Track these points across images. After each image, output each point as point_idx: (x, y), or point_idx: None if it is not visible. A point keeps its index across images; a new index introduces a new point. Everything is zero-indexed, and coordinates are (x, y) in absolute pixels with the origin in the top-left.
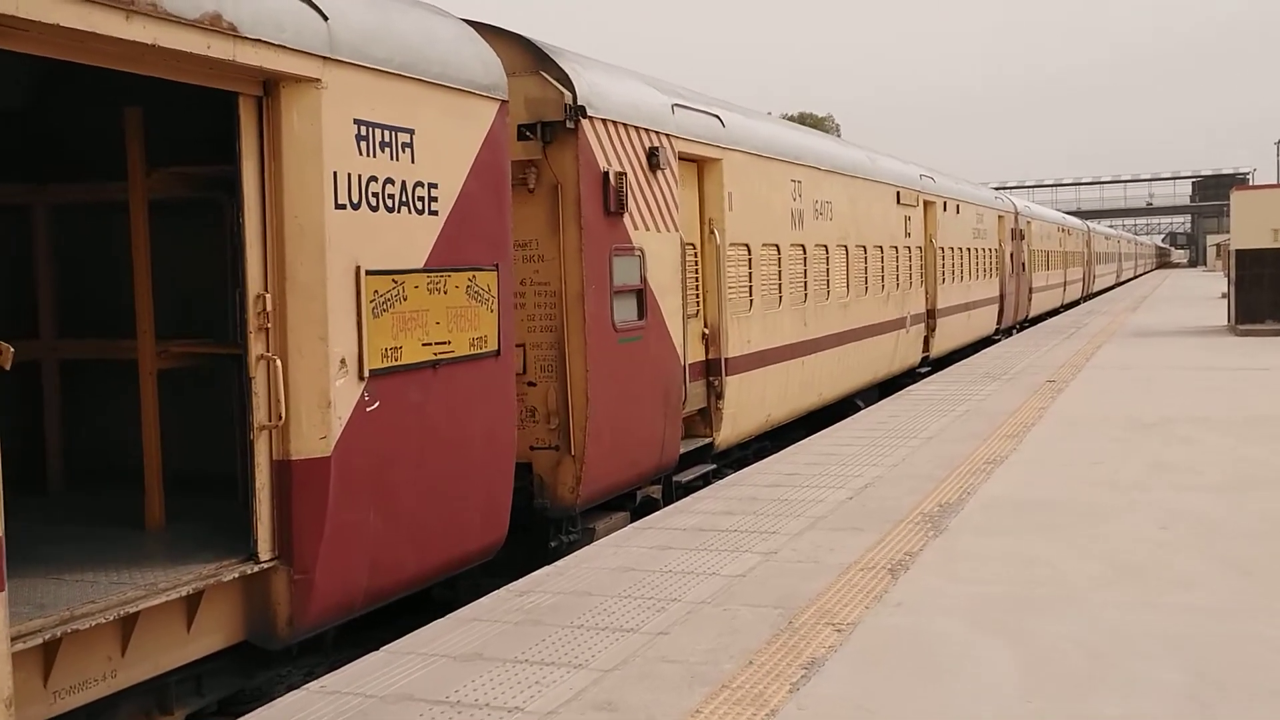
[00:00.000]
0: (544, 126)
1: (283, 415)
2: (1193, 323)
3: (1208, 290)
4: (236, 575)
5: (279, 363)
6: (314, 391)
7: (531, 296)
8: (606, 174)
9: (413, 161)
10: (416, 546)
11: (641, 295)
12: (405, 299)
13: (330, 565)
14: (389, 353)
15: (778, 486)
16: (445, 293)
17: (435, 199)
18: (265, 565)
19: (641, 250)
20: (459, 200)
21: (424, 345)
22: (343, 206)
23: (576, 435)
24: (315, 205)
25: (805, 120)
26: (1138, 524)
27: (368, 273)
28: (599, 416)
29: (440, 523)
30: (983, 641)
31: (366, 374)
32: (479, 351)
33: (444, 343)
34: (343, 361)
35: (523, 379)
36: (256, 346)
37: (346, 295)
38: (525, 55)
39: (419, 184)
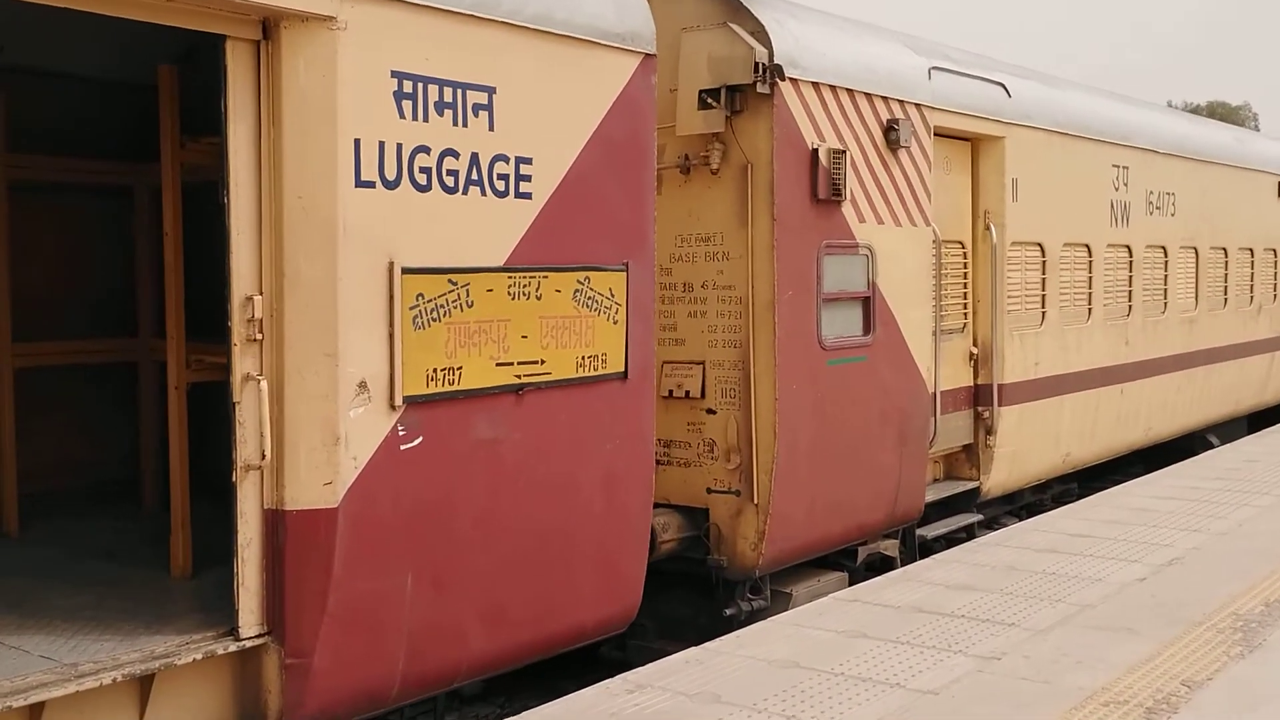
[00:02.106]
0: (730, 92)
1: (265, 454)
2: None
3: None
4: (198, 656)
5: (264, 385)
6: (316, 423)
7: (714, 303)
8: (815, 151)
9: (491, 129)
10: (487, 621)
11: (868, 304)
12: (470, 305)
13: (337, 646)
14: (440, 374)
15: (1050, 553)
16: (538, 298)
17: (527, 178)
18: (248, 643)
19: (869, 248)
20: (568, 180)
21: (500, 365)
22: (368, 184)
23: (761, 479)
24: (325, 181)
25: (1215, 112)
26: None
27: (406, 271)
28: (792, 456)
29: (525, 590)
30: None
31: (400, 401)
32: (593, 373)
33: (534, 361)
34: (362, 385)
35: (700, 405)
36: (244, 363)
37: (371, 299)
38: (709, 2)
39: (501, 158)
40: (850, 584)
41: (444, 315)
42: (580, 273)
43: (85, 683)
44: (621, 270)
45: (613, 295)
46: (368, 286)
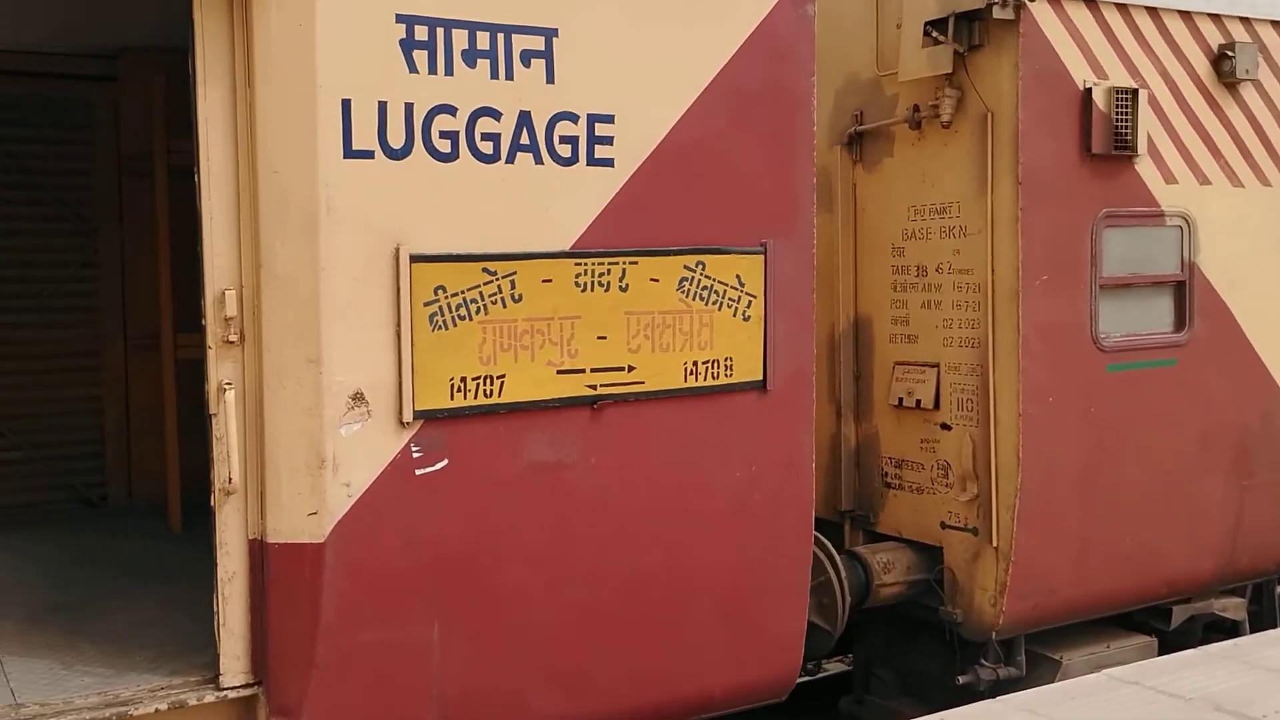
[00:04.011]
0: (961, 22)
1: (231, 476)
2: None
3: None
4: (162, 707)
5: (230, 395)
6: (298, 441)
7: (949, 291)
8: (1088, 92)
9: (550, 81)
10: (559, 686)
11: (1182, 291)
12: (518, 299)
13: (331, 706)
14: (470, 384)
15: None
16: (623, 289)
17: (605, 140)
18: (231, 694)
19: (1184, 216)
20: (672, 141)
21: (564, 373)
22: (363, 154)
23: (1001, 516)
24: (302, 151)
25: None
26: None
27: (419, 259)
28: (1045, 487)
29: (614, 651)
30: None
31: (411, 417)
32: (711, 383)
33: (616, 368)
34: (357, 397)
35: (933, 418)
36: (221, 369)
37: (369, 293)
38: None
39: (565, 117)
40: (1163, 652)
41: (477, 312)
42: (690, 256)
43: None
44: (757, 253)
45: (743, 285)
46: (364, 278)
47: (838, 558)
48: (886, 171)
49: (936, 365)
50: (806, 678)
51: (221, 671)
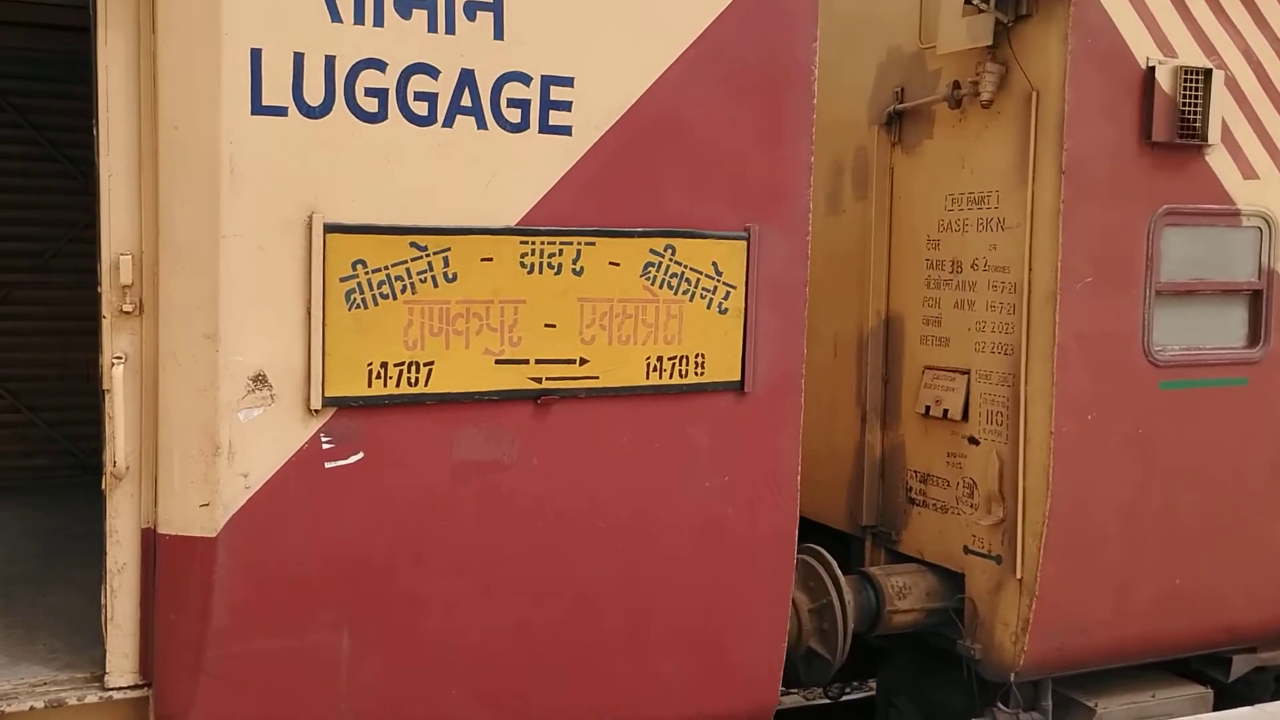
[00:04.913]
0: None
1: (116, 459)
2: None
3: None
4: (38, 705)
5: (118, 371)
6: (191, 425)
7: (983, 290)
8: (1151, 71)
9: (499, 36)
10: (487, 707)
11: (1259, 303)
12: (451, 278)
13: (223, 714)
14: (393, 371)
15: None
16: (576, 271)
17: (562, 105)
18: (116, 694)
19: (1265, 217)
20: (641, 109)
21: (503, 363)
22: (274, 110)
23: (1027, 544)
24: (205, 105)
25: None
26: None
27: (334, 229)
28: (1078, 515)
29: (549, 671)
30: None
31: (321, 404)
32: (678, 381)
33: (565, 360)
34: (259, 379)
35: (961, 430)
36: (116, 341)
37: (276, 264)
38: None
39: (514, 77)
40: (1219, 707)
41: (402, 290)
42: (657, 240)
43: None
44: (739, 239)
45: (720, 273)
46: (271, 248)
47: (842, 579)
48: (925, 155)
49: (967, 372)
50: (826, 701)
51: (108, 670)
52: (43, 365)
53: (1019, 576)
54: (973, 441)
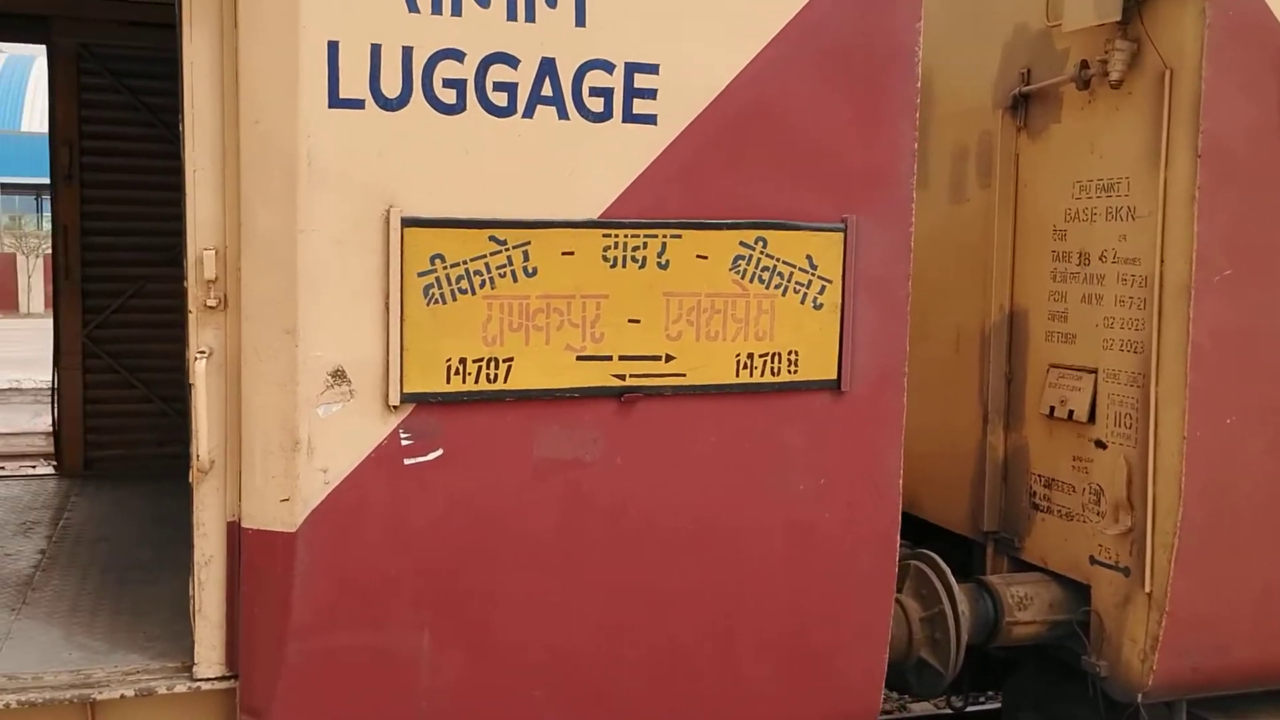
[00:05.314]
0: None
1: (200, 454)
2: None
3: None
4: (128, 693)
5: (201, 365)
6: (272, 419)
7: (1112, 283)
8: None
9: (580, 24)
10: (575, 710)
11: None
12: (531, 273)
13: (303, 709)
14: (472, 367)
15: None
16: (662, 265)
17: (646, 93)
18: (204, 685)
19: None
20: (731, 96)
21: (584, 359)
22: (353, 103)
23: (1157, 556)
24: (283, 99)
25: None
26: None
27: (411, 223)
28: (1213, 526)
29: (635, 673)
30: None
31: (399, 400)
32: (770, 379)
33: (651, 357)
34: (338, 374)
35: (1087, 433)
36: (201, 336)
37: (354, 259)
38: None
39: (597, 65)
40: None
41: (481, 285)
42: (748, 231)
43: None
44: (835, 230)
45: (815, 267)
46: (348, 242)
47: (955, 587)
48: (1052, 140)
49: (1094, 371)
50: (948, 711)
51: (196, 661)
52: (174, 356)
53: (1148, 590)
54: (1100, 445)
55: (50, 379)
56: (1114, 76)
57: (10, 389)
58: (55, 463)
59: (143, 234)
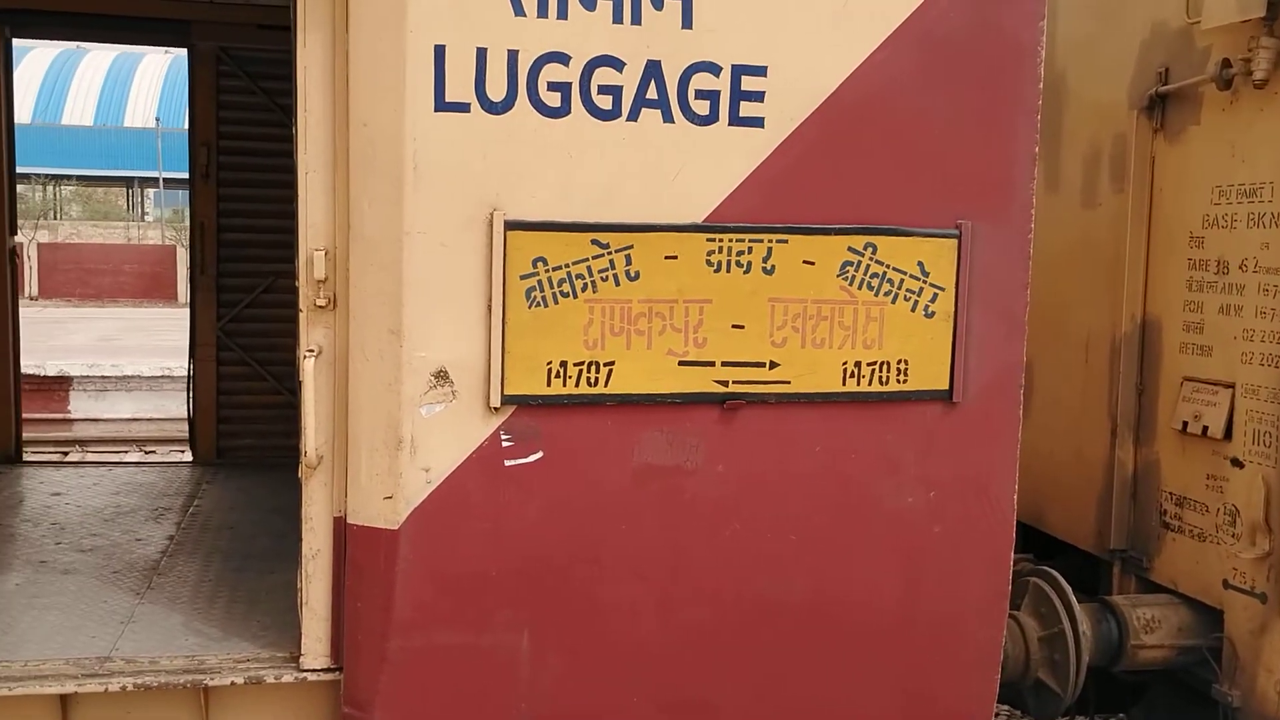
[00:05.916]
0: None
1: (307, 450)
2: None
3: None
4: (238, 680)
5: (310, 363)
6: (378, 418)
7: (1253, 294)
8: None
9: (687, 25)
10: (674, 715)
11: None
12: (634, 277)
13: (406, 707)
14: (572, 370)
15: None
16: (767, 270)
17: (754, 95)
18: (310, 676)
19: None
20: (840, 99)
21: (686, 365)
22: (458, 106)
23: None
24: (390, 102)
25: None
26: None
27: (514, 226)
28: None
29: (731, 685)
30: None
31: (500, 402)
32: (879, 389)
33: (755, 363)
34: (440, 375)
35: (1223, 450)
36: (311, 335)
37: (458, 261)
38: None
39: (703, 68)
40: None
41: (583, 289)
42: (857, 237)
43: (87, 685)
44: (949, 236)
45: (927, 274)
46: (453, 245)
47: (1076, 607)
48: (1191, 142)
49: (1232, 386)
50: None
51: (303, 652)
52: None
53: None
54: (1236, 464)
55: (187, 369)
56: (1258, 76)
57: (162, 376)
58: (190, 451)
59: (275, 231)
